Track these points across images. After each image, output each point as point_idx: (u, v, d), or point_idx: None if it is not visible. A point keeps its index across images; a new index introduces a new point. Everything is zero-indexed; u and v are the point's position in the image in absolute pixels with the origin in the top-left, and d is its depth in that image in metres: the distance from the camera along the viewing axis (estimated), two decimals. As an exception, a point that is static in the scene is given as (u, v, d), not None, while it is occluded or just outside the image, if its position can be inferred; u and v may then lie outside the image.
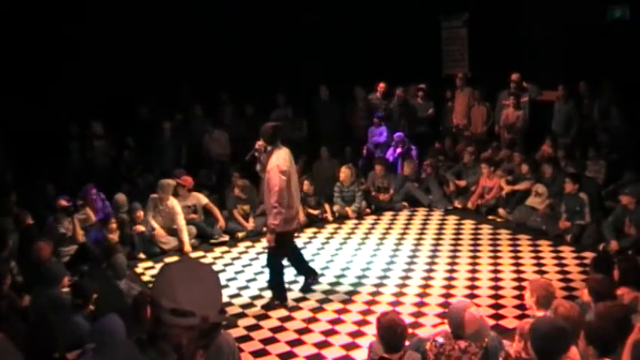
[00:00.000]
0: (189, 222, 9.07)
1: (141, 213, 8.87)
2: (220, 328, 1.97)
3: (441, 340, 4.20)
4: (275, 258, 6.88)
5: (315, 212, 9.99)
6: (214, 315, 1.88)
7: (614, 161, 9.42)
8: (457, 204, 10.17)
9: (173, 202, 8.91)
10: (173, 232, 8.91)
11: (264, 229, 9.52)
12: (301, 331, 6.28)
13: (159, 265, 8.48)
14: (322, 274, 7.81)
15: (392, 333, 4.07)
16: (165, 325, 1.87)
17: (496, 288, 7.05)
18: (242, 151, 11.34)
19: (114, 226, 8.51)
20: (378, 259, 8.26)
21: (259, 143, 6.61)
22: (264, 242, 9.14)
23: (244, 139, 11.43)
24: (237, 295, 7.32)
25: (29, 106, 10.32)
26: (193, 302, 1.84)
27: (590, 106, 10.38)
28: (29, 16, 10.39)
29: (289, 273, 7.89)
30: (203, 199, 9.39)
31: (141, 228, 8.77)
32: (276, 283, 7.00)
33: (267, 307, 6.91)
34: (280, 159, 6.45)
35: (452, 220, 9.71)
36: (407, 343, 4.31)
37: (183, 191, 9.20)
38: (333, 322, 6.45)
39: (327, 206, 10.14)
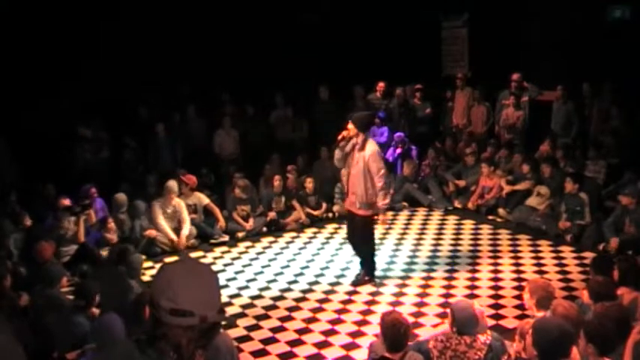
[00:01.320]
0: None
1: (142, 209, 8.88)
2: (219, 328, 1.96)
3: (441, 337, 4.20)
4: (372, 237, 7.34)
5: (316, 212, 9.99)
6: (213, 315, 1.88)
7: (615, 162, 9.42)
8: (457, 204, 10.17)
9: (177, 200, 9.04)
10: (177, 232, 8.99)
11: (264, 229, 9.59)
12: (301, 331, 6.28)
13: (159, 265, 8.46)
14: (322, 274, 7.82)
15: (395, 331, 4.08)
16: (165, 325, 1.88)
17: (496, 288, 7.06)
18: (242, 150, 11.44)
19: (112, 226, 8.51)
20: (378, 259, 8.21)
21: (348, 133, 6.96)
22: (264, 242, 9.19)
23: (245, 138, 11.49)
24: (237, 295, 7.32)
25: (29, 107, 10.31)
26: (192, 302, 1.84)
27: (591, 106, 10.37)
28: (30, 17, 10.39)
29: (288, 273, 7.91)
30: (204, 199, 9.43)
31: (153, 233, 8.77)
32: (372, 260, 7.43)
33: (356, 282, 7.35)
34: (375, 147, 6.97)
35: (452, 220, 9.72)
36: (409, 343, 4.31)
37: (186, 190, 9.25)
38: (333, 322, 6.45)
39: (325, 206, 10.13)
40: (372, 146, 6.92)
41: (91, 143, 10.52)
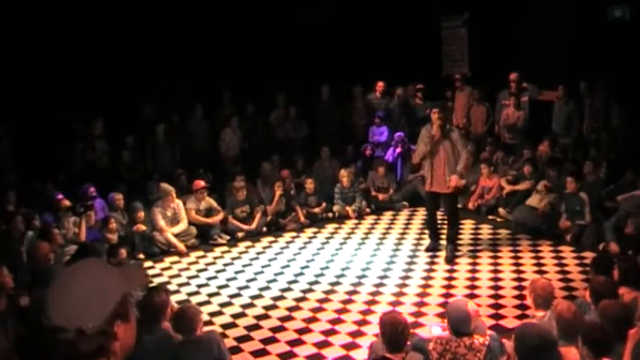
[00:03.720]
0: (190, 222, 9.15)
1: (142, 213, 8.90)
2: (110, 336, 1.70)
3: (441, 339, 4.18)
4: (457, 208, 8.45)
5: (316, 210, 10.00)
6: (94, 325, 1.65)
7: (614, 161, 9.41)
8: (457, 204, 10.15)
9: (177, 201, 9.08)
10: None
11: (264, 229, 9.59)
12: (301, 331, 6.27)
13: (159, 265, 8.50)
14: (322, 274, 7.82)
15: (393, 331, 4.07)
16: (51, 342, 1.67)
17: (496, 288, 7.05)
18: (243, 150, 11.42)
19: (113, 226, 8.50)
20: (378, 259, 8.26)
21: (441, 118, 7.83)
22: (264, 242, 9.19)
23: (245, 138, 11.48)
24: (237, 295, 7.32)
25: (30, 106, 10.31)
26: (62, 314, 1.64)
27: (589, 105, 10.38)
28: (30, 15, 10.38)
29: (288, 273, 7.91)
30: (213, 203, 9.52)
31: (142, 227, 8.79)
32: (459, 232, 8.54)
33: (450, 259, 7.93)
34: (457, 130, 8.30)
35: (452, 220, 9.70)
36: (408, 343, 4.30)
37: (201, 195, 9.32)
38: (333, 322, 6.44)
39: (325, 205, 10.14)
40: (455, 129, 8.15)
41: (101, 139, 10.50)
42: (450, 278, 7.42)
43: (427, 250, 8.32)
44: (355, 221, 9.94)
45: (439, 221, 8.56)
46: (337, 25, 12.23)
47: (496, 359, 4.05)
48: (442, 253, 8.20)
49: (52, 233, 7.58)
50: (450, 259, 7.92)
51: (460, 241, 8.70)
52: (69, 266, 1.78)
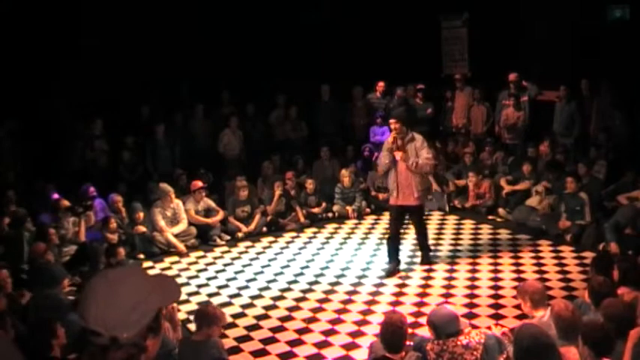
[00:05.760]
0: (190, 223, 9.15)
1: (141, 214, 8.91)
2: (141, 348, 1.75)
3: (438, 340, 4.19)
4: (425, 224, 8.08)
5: (316, 210, 10.00)
6: (129, 336, 1.68)
7: (614, 161, 9.41)
8: (457, 204, 10.16)
9: (176, 201, 9.08)
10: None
11: (264, 229, 9.58)
12: (301, 331, 6.27)
13: (159, 265, 8.49)
14: (322, 274, 7.82)
15: (389, 333, 4.08)
16: (86, 342, 1.72)
17: (496, 288, 7.05)
18: (244, 150, 11.43)
19: (114, 226, 8.50)
20: (378, 259, 8.25)
21: (397, 131, 7.20)
22: (264, 242, 9.19)
23: (245, 138, 11.47)
24: (237, 295, 7.32)
25: (30, 106, 10.32)
26: (100, 321, 1.68)
27: (590, 106, 10.37)
28: (30, 15, 10.38)
29: (288, 273, 7.91)
30: (212, 203, 9.53)
31: (142, 228, 8.78)
32: (427, 242, 7.99)
33: (428, 261, 7.81)
34: (421, 137, 7.48)
35: (452, 220, 9.71)
36: (408, 343, 4.31)
37: (199, 196, 9.33)
38: (333, 322, 6.44)
39: (325, 205, 10.14)
40: (419, 136, 7.43)
41: (100, 139, 10.50)
42: (450, 278, 7.41)
43: (388, 274, 7.56)
44: (355, 221, 9.94)
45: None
46: (337, 25, 12.23)
47: (493, 357, 4.06)
48: (441, 253, 8.22)
49: (48, 233, 7.58)
50: (428, 261, 7.88)
51: (460, 241, 8.73)
52: (115, 270, 1.82)
